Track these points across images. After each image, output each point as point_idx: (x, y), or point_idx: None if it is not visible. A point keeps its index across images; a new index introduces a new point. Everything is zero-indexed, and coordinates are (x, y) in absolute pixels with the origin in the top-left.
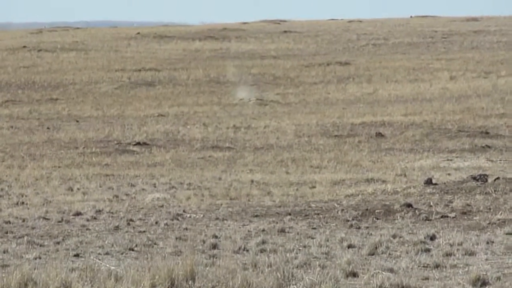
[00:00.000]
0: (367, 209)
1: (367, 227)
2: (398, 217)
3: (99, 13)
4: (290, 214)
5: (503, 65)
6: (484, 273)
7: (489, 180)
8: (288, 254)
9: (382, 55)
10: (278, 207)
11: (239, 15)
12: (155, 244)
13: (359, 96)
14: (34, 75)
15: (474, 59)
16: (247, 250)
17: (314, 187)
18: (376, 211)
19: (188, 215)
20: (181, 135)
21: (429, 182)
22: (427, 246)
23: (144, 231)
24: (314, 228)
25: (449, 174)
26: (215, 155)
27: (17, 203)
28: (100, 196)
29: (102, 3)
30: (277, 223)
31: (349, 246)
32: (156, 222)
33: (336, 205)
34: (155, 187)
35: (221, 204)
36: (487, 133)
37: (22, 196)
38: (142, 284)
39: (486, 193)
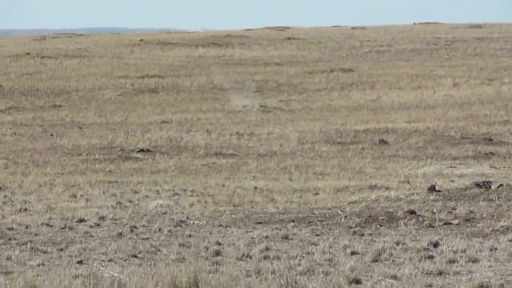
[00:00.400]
0: (370, 216)
1: (371, 234)
2: (402, 224)
3: (103, 20)
4: (293, 221)
5: (507, 72)
6: (488, 280)
7: (493, 187)
8: (291, 261)
9: (386, 62)
10: (281, 214)
11: (242, 21)
12: (158, 250)
13: (363, 103)
14: (37, 82)
15: (478, 66)
16: (251, 257)
17: (317, 194)
18: (380, 218)
19: (192, 222)
20: (184, 142)
21: (432, 189)
22: (430, 253)
23: (147, 238)
24: (318, 235)
25: (452, 181)
26: (219, 162)
27: (20, 210)
28: (103, 203)
29: (106, 10)
30: (280, 230)
31: (353, 253)
32: (160, 229)
33: (339, 212)
34: (158, 193)
35: (225, 211)
36: (490, 140)
37: (26, 202)
38: None
39: (489, 200)
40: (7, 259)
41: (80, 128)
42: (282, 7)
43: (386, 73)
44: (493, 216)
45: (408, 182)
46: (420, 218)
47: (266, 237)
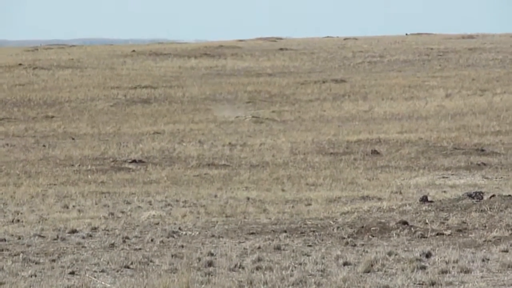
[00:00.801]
0: (362, 227)
1: (363, 245)
2: (394, 235)
3: (95, 31)
4: (285, 232)
5: (499, 83)
6: None
7: (485, 198)
8: (283, 272)
9: (378, 73)
10: (273, 225)
11: (235, 32)
12: (150, 261)
13: (355, 114)
14: (29, 92)
15: (470, 76)
16: (243, 268)
17: (309, 204)
18: (372, 228)
19: (184, 233)
20: (176, 153)
21: (424, 199)
22: (422, 263)
23: (139, 249)
24: (310, 246)
25: (444, 192)
26: (211, 172)
27: (12, 221)
28: (95, 214)
29: (98, 21)
30: (272, 240)
31: (345, 264)
32: (152, 240)
33: (331, 222)
34: (150, 204)
35: (217, 222)
36: (482, 150)
37: (18, 213)
38: None
39: (481, 210)
40: None
41: (73, 139)
42: (274, 18)
43: (379, 83)
44: (485, 226)
45: (401, 193)
46: (412, 229)
47: (259, 247)
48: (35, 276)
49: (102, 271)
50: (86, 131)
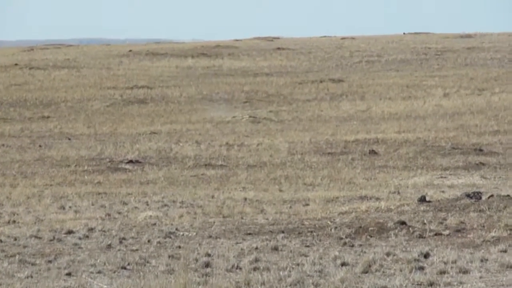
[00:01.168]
0: (360, 227)
1: (361, 245)
2: (392, 235)
3: (91, 31)
4: (283, 232)
5: (497, 82)
6: None
7: (483, 198)
8: (281, 272)
9: (375, 72)
10: (271, 225)
11: (231, 32)
12: (147, 262)
13: (353, 113)
14: (25, 92)
15: (468, 76)
16: (240, 268)
17: (307, 204)
18: (370, 228)
19: (181, 233)
20: (173, 153)
21: (422, 199)
22: (421, 264)
23: (136, 250)
24: (308, 246)
25: (443, 192)
26: (208, 173)
27: (8, 222)
28: (92, 214)
29: (94, 21)
30: (270, 241)
31: (343, 264)
32: (149, 241)
33: (329, 222)
34: (147, 205)
35: (214, 222)
36: (481, 150)
37: (14, 214)
38: None
39: (480, 210)
40: None
41: (69, 139)
42: (271, 17)
43: (376, 83)
44: (484, 226)
45: (399, 193)
46: (410, 229)
47: (256, 248)
48: (31, 277)
49: (99, 272)
50: (83, 131)
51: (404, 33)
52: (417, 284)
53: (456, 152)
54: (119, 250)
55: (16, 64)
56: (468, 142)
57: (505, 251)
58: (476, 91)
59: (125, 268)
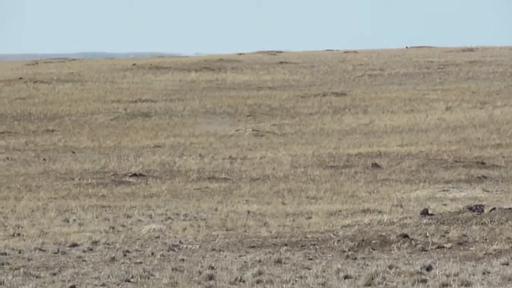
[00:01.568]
0: (363, 240)
1: (364, 258)
2: (395, 248)
3: (95, 45)
4: (286, 245)
5: (499, 96)
6: None
7: (485, 211)
8: (284, 285)
9: (378, 86)
10: (274, 238)
11: (235, 46)
12: (151, 275)
13: (355, 127)
14: (30, 106)
15: (470, 89)
16: (244, 281)
17: (310, 217)
18: (373, 241)
19: (185, 246)
20: (177, 166)
21: (425, 212)
22: (423, 276)
23: (140, 262)
24: (311, 259)
25: (445, 205)
26: (211, 186)
27: (13, 235)
28: (96, 227)
29: (98, 35)
30: (273, 254)
31: (346, 277)
32: (152, 253)
33: (332, 235)
34: (151, 218)
35: (218, 235)
36: (483, 163)
37: (18, 227)
38: None
39: (482, 223)
40: (0, 284)
41: (73, 152)
42: (274, 31)
43: (379, 97)
44: (486, 239)
45: (401, 206)
46: (413, 242)
47: (259, 261)
48: None
49: (103, 285)
50: (87, 144)
51: (406, 47)
52: None
53: (458, 165)
54: (123, 263)
55: (20, 78)
56: (470, 155)
57: (507, 264)
58: (478, 105)
59: (129, 281)
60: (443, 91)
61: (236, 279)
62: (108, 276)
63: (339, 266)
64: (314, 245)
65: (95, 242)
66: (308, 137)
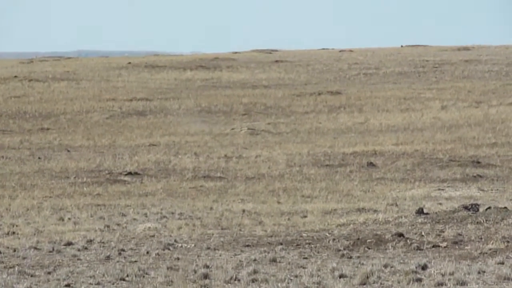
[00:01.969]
0: (358, 239)
1: (359, 257)
2: (390, 247)
3: (90, 43)
4: (281, 244)
5: (494, 95)
6: None
7: (481, 210)
8: (279, 284)
9: (373, 85)
10: (269, 237)
11: (230, 44)
12: (146, 274)
13: (350, 126)
14: (25, 105)
15: (466, 88)
16: (239, 280)
17: (305, 216)
18: (368, 240)
19: (180, 245)
20: (172, 165)
21: (420, 211)
22: (418, 275)
23: (135, 261)
24: (306, 258)
25: (440, 204)
26: (207, 184)
27: (8, 233)
28: (91, 226)
29: (93, 33)
30: (268, 252)
31: (341, 276)
32: (148, 252)
33: (327, 234)
34: (146, 216)
35: (213, 234)
36: (478, 162)
37: (13, 226)
38: None
39: (477, 222)
40: None
41: (68, 151)
42: (269, 30)
43: (374, 95)
44: (481, 238)
45: (396, 205)
46: (408, 241)
47: (254, 260)
48: None
49: (98, 283)
50: (82, 143)
51: (402, 46)
52: None
53: (454, 164)
54: (118, 261)
55: (15, 76)
56: (466, 154)
57: (502, 263)
58: (474, 104)
59: (124, 280)
60: (438, 90)
61: (231, 278)
62: (103, 275)
63: (334, 265)
64: (309, 244)
65: (90, 241)
66: (303, 136)
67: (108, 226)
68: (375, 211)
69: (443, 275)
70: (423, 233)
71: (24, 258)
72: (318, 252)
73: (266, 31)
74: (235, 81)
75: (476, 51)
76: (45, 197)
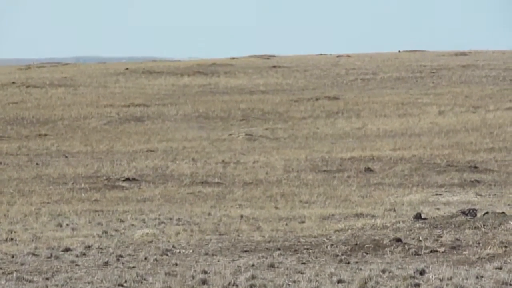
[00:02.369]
0: (356, 244)
1: (357, 262)
2: (388, 252)
3: (88, 49)
4: (279, 249)
5: (492, 100)
6: None
7: (478, 215)
8: None
9: (371, 90)
10: (267, 242)
11: (228, 50)
12: (144, 279)
13: (348, 131)
14: (22, 111)
15: (463, 93)
16: (237, 286)
17: (303, 222)
18: (366, 246)
19: (178, 251)
20: (170, 171)
21: (418, 216)
22: (416, 281)
23: (133, 267)
24: (304, 263)
25: (438, 209)
26: (204, 190)
27: (6, 239)
28: (89, 232)
29: (91, 39)
30: (266, 258)
31: (339, 281)
32: (146, 258)
33: (325, 240)
34: (144, 222)
35: (211, 240)
36: (476, 167)
37: (11, 232)
38: None
39: (475, 227)
40: None
41: (66, 157)
42: (267, 36)
43: (372, 101)
44: (479, 243)
45: (394, 210)
46: (406, 246)
47: (252, 265)
48: None
49: None
50: (80, 149)
51: (399, 51)
52: None
53: (451, 169)
54: (116, 267)
55: (13, 83)
56: (463, 159)
57: (500, 268)
58: (471, 109)
59: (122, 286)
60: (435, 95)
61: (229, 283)
62: (101, 281)
63: (332, 270)
64: (307, 249)
65: (88, 247)
66: (301, 141)
67: (106, 232)
68: (373, 216)
69: (441, 280)
70: (421, 238)
71: (22, 264)
72: (316, 258)
73: (263, 36)
74: (233, 86)
75: (474, 56)
76: (43, 203)
